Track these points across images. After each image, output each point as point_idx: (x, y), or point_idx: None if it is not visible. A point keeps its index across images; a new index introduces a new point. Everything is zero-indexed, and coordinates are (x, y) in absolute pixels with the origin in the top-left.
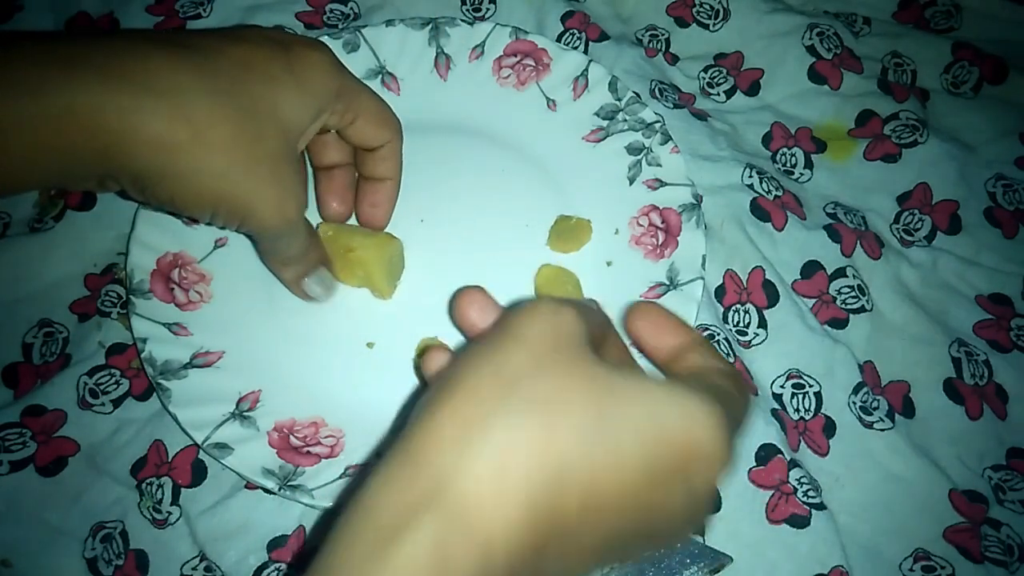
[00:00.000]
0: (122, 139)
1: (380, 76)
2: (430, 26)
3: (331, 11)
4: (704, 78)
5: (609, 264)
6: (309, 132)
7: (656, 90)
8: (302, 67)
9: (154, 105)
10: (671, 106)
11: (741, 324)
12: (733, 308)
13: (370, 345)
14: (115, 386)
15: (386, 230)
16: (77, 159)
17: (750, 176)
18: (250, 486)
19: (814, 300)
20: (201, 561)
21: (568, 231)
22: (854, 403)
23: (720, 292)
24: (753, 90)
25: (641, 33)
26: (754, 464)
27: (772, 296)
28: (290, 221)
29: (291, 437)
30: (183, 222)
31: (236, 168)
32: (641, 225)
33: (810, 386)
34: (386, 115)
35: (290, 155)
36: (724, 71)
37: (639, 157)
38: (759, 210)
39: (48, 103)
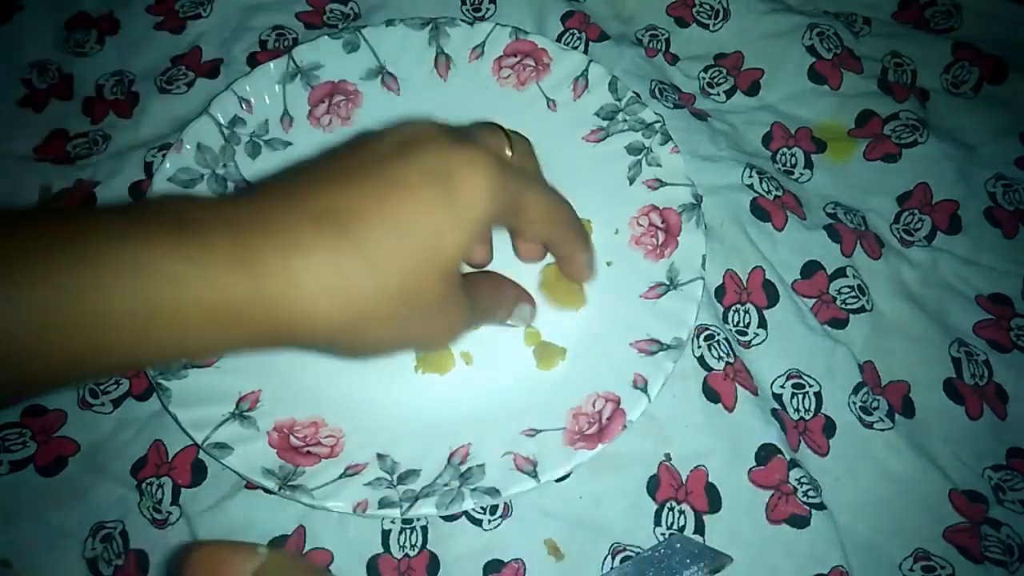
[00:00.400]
0: (287, 334)
1: (380, 76)
2: (430, 26)
3: (331, 11)
4: (704, 78)
5: (609, 264)
6: (477, 242)
7: (656, 90)
8: (465, 200)
9: (316, 303)
10: (671, 106)
11: (741, 324)
12: (733, 308)
13: None
14: (115, 386)
15: None
16: (250, 345)
17: (750, 176)
18: (250, 486)
19: (814, 300)
20: None
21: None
22: (854, 403)
23: (720, 292)
24: (753, 90)
25: (641, 33)
26: (754, 464)
27: (772, 296)
28: (457, 336)
29: (291, 437)
30: None
31: (399, 330)
32: (641, 225)
33: (810, 386)
34: (556, 216)
35: (452, 287)
36: (724, 71)
37: (639, 157)
38: (759, 210)
39: (216, 303)
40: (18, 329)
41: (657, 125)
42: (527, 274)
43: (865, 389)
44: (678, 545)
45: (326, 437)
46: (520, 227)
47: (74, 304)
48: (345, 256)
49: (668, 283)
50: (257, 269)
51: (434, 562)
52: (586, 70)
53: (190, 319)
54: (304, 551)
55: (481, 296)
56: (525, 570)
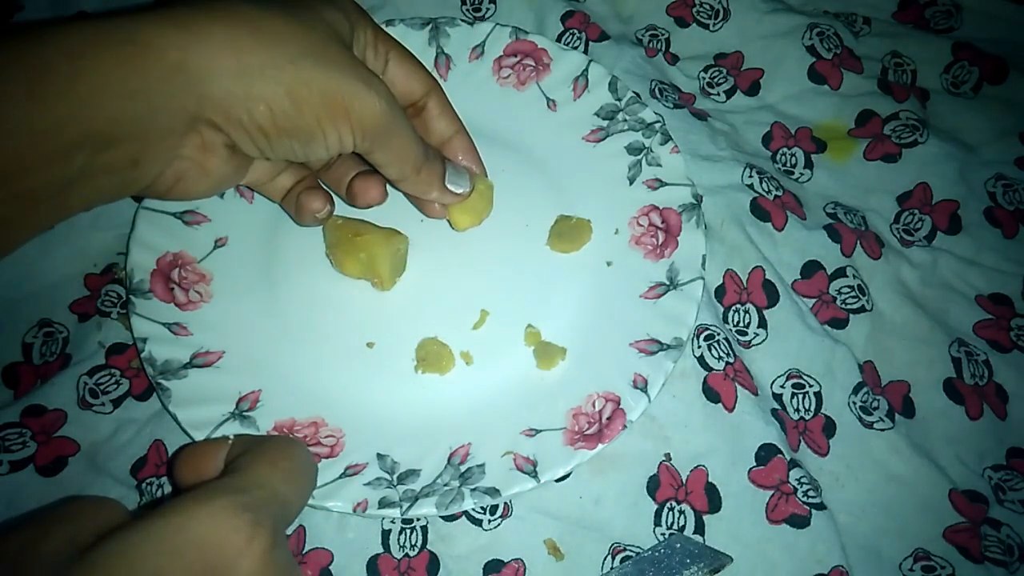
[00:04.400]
0: (203, 72)
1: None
2: (430, 26)
3: None
4: (704, 78)
5: (609, 264)
6: (354, 47)
7: (656, 90)
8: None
9: (228, 33)
10: (671, 106)
11: (741, 324)
12: (733, 308)
13: (370, 345)
14: (115, 386)
15: (397, 231)
16: (161, 94)
17: (750, 176)
18: None
19: (814, 300)
20: None
21: (568, 231)
22: (854, 403)
23: (720, 292)
24: (753, 90)
25: (641, 33)
26: (754, 464)
27: (772, 296)
28: (390, 107)
29: (290, 437)
30: (184, 222)
31: (320, 70)
32: (641, 225)
33: (810, 386)
34: (415, 60)
35: (358, 61)
36: (724, 71)
37: (639, 157)
38: (759, 210)
39: (122, 37)
40: None
41: (657, 125)
42: (525, 274)
43: (865, 389)
44: (678, 545)
45: (326, 437)
46: (393, 72)
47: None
48: (248, 6)
49: (668, 283)
50: (157, 15)
51: (434, 562)
52: (586, 70)
53: (75, 54)
54: (304, 551)
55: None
56: (525, 570)
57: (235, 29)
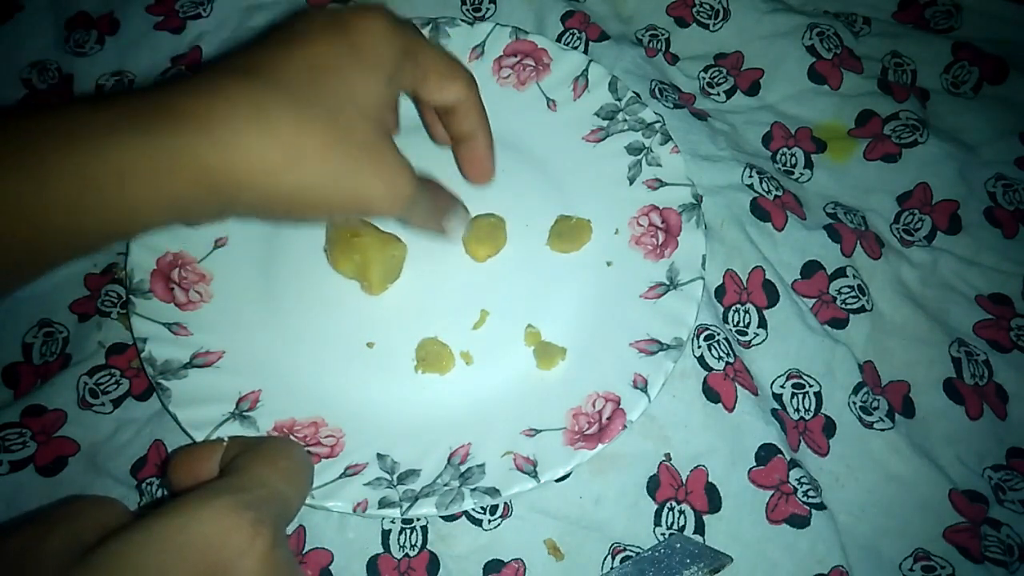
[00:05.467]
0: (224, 176)
1: None
2: (430, 26)
3: None
4: (704, 78)
5: (609, 264)
6: (390, 100)
7: (656, 90)
8: (363, 41)
9: (244, 136)
10: (671, 106)
11: (741, 324)
12: (733, 308)
13: (370, 345)
14: (115, 386)
15: (396, 237)
16: (193, 200)
17: (750, 176)
18: None
19: (814, 300)
20: None
21: (568, 231)
22: (854, 403)
23: (720, 292)
24: (753, 90)
25: (641, 33)
26: (754, 464)
27: (772, 296)
28: (407, 196)
29: (291, 437)
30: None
31: (337, 170)
32: (641, 225)
33: (810, 386)
34: (454, 69)
35: (381, 133)
36: (724, 71)
37: (639, 157)
38: (759, 210)
39: (156, 152)
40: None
41: (657, 125)
42: (525, 274)
43: (865, 389)
44: (678, 545)
45: (326, 437)
46: (428, 85)
47: (17, 176)
48: (264, 94)
49: (668, 283)
50: (179, 115)
51: (434, 562)
52: (586, 70)
53: (125, 173)
54: (304, 551)
55: (425, 182)
56: (525, 570)
57: (261, 129)
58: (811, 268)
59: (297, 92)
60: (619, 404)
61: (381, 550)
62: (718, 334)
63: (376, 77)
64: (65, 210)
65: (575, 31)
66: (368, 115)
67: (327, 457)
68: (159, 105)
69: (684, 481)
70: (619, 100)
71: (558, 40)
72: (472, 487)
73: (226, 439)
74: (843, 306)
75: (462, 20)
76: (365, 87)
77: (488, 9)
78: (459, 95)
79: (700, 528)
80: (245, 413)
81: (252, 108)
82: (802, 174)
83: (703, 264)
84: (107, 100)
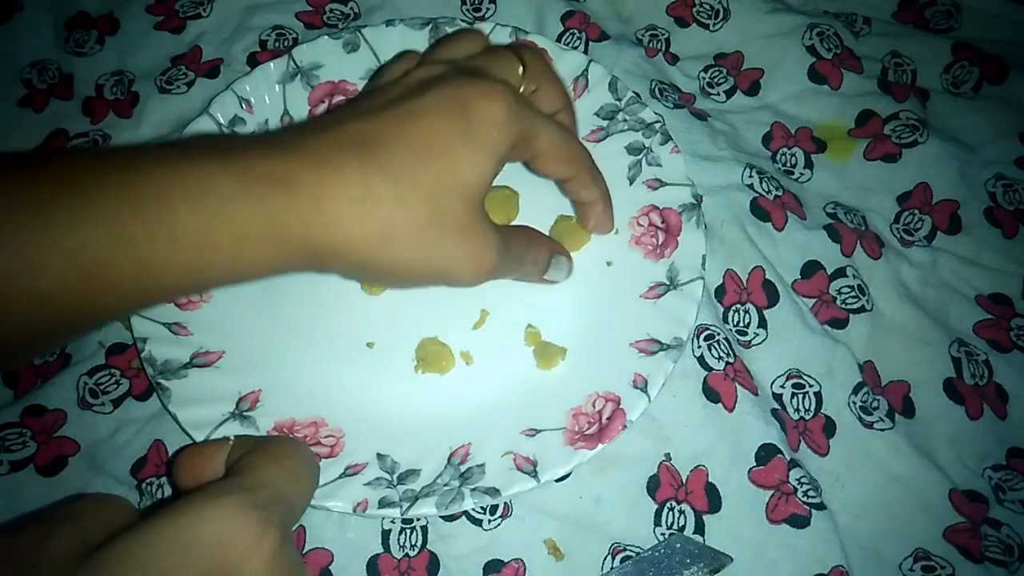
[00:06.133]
0: (325, 247)
1: None
2: (430, 26)
3: (331, 11)
4: (704, 78)
5: (609, 264)
6: (495, 174)
7: (656, 90)
8: (480, 127)
9: (348, 213)
10: (671, 106)
11: (741, 324)
12: (733, 308)
13: (370, 345)
14: (115, 386)
15: None
16: (294, 261)
17: (750, 176)
18: None
19: (814, 300)
20: None
21: (568, 231)
22: (854, 403)
23: (720, 292)
24: (753, 90)
25: (641, 33)
26: (754, 464)
27: (772, 296)
28: (490, 270)
29: (291, 437)
30: None
31: (427, 249)
32: (641, 225)
33: (810, 386)
34: (565, 153)
35: (476, 214)
36: (724, 71)
37: (639, 157)
38: (759, 210)
39: (270, 221)
40: (105, 261)
41: (657, 125)
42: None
43: (865, 389)
44: (678, 545)
45: (326, 437)
46: (537, 162)
47: (147, 231)
48: (371, 173)
49: (668, 283)
50: (294, 186)
51: (434, 562)
52: (586, 70)
53: (242, 236)
54: (304, 551)
55: (515, 241)
56: (525, 570)
57: (364, 209)
58: (811, 268)
59: (403, 174)
60: (619, 404)
61: (381, 550)
62: (718, 334)
63: (485, 159)
64: (185, 264)
65: (575, 31)
66: (468, 196)
67: (327, 457)
68: (277, 173)
69: (684, 481)
70: (619, 100)
71: (558, 40)
72: (472, 487)
73: (232, 438)
74: (843, 306)
75: (462, 20)
76: (471, 168)
77: (488, 9)
78: (569, 174)
79: (700, 528)
80: (245, 413)
81: (359, 189)
82: (802, 174)
83: (703, 264)
84: (223, 156)
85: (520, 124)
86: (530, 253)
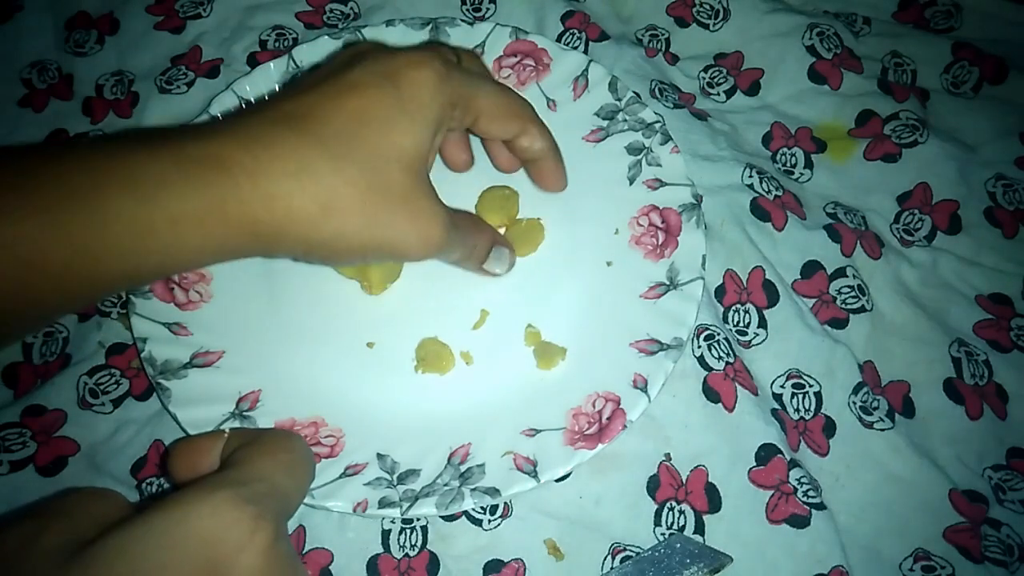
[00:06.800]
0: (267, 225)
1: None
2: (430, 26)
3: (331, 11)
4: (704, 78)
5: (609, 264)
6: (434, 147)
7: (656, 90)
8: (411, 95)
9: (286, 188)
10: (671, 106)
11: (741, 324)
12: (733, 308)
13: (370, 345)
14: (115, 386)
15: None
16: (238, 244)
17: (750, 176)
18: None
19: (814, 300)
20: None
21: (520, 234)
22: (854, 403)
23: (720, 292)
24: (753, 90)
25: (641, 33)
26: (754, 464)
27: (772, 296)
28: (439, 242)
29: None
30: None
31: (372, 221)
32: (641, 225)
33: (810, 386)
34: (508, 109)
35: (418, 181)
36: (724, 71)
37: (639, 157)
38: (759, 210)
39: (206, 202)
40: (42, 251)
41: (657, 125)
42: (524, 274)
43: (865, 389)
44: (678, 545)
45: (326, 437)
46: (480, 125)
47: (81, 220)
48: (306, 147)
49: (668, 283)
50: (228, 165)
51: (434, 562)
52: (586, 70)
53: (178, 219)
54: (304, 551)
55: (461, 223)
56: (525, 570)
57: (302, 183)
58: (811, 268)
59: (339, 146)
60: (619, 404)
61: (381, 550)
62: (718, 334)
63: (420, 127)
64: (122, 250)
65: (575, 31)
66: (407, 165)
67: (327, 457)
68: (209, 155)
69: (684, 481)
70: (619, 100)
71: (558, 40)
72: (472, 487)
73: (227, 431)
74: (843, 306)
75: (462, 20)
76: (407, 137)
77: (488, 9)
78: (516, 130)
79: (700, 528)
80: (245, 413)
81: (295, 162)
82: (802, 174)
83: (703, 264)
84: (158, 143)
85: (452, 88)
86: (472, 237)
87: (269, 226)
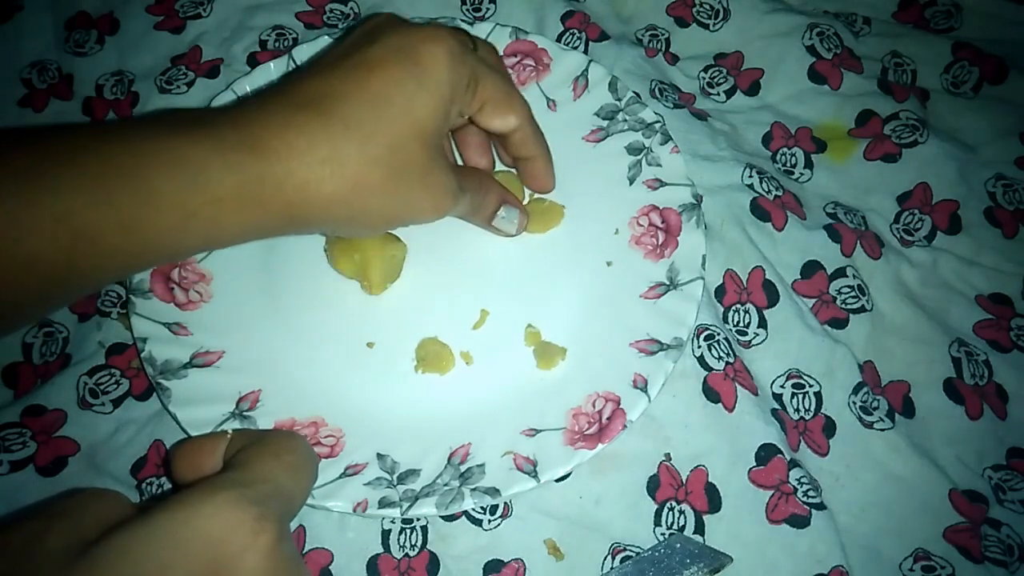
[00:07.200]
0: (299, 206)
1: None
2: None
3: (331, 11)
4: (704, 78)
5: (609, 264)
6: (449, 123)
7: (656, 90)
8: (428, 69)
9: (319, 173)
10: (671, 106)
11: (741, 324)
12: (733, 308)
13: (370, 345)
14: (115, 386)
15: (396, 237)
16: (272, 224)
17: (750, 176)
18: None
19: (814, 300)
20: None
21: (539, 213)
22: (854, 403)
23: (720, 292)
24: (753, 90)
25: (641, 33)
26: (754, 464)
27: (772, 296)
28: (448, 207)
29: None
30: None
31: (394, 197)
32: (641, 225)
33: (810, 386)
34: (511, 99)
35: (436, 159)
36: (724, 71)
37: (639, 157)
38: (759, 210)
39: (244, 184)
40: (92, 226)
41: (657, 125)
42: (524, 273)
43: (865, 389)
44: (678, 545)
45: (326, 437)
46: (483, 114)
47: (130, 198)
48: (335, 130)
49: (668, 283)
50: (264, 151)
51: (434, 562)
52: (586, 70)
53: (218, 201)
54: (304, 551)
55: (468, 182)
56: (525, 570)
57: (333, 167)
58: (811, 268)
59: (364, 127)
60: (619, 404)
61: (381, 550)
62: (718, 334)
63: (436, 102)
64: (167, 228)
65: (575, 31)
66: (425, 140)
67: (327, 457)
68: (245, 141)
69: (684, 481)
70: (619, 100)
71: (558, 40)
72: (472, 487)
73: (230, 432)
74: (843, 306)
75: (462, 20)
76: (425, 113)
77: (488, 9)
78: (513, 125)
79: (700, 528)
80: (245, 413)
81: (326, 149)
82: (802, 174)
83: (703, 264)
84: (196, 127)
85: (465, 67)
86: (479, 196)
87: (302, 208)
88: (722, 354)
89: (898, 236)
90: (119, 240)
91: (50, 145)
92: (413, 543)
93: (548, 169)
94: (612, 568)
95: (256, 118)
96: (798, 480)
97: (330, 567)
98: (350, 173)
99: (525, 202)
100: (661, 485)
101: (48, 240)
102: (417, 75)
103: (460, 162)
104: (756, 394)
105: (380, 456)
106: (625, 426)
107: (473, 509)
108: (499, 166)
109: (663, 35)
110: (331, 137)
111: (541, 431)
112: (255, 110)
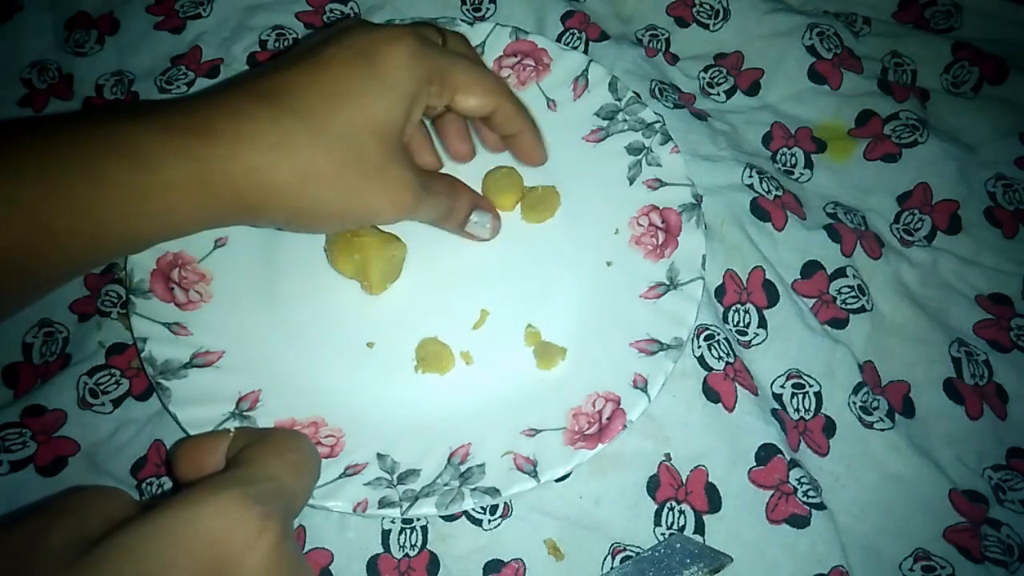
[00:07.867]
0: (250, 193)
1: None
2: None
3: (331, 11)
4: (704, 78)
5: (609, 264)
6: (411, 121)
7: (656, 90)
8: (385, 69)
9: (267, 159)
10: (671, 106)
11: (741, 324)
12: (733, 308)
13: (370, 345)
14: (115, 386)
15: (396, 237)
16: (224, 211)
17: (750, 176)
18: None
19: (814, 300)
20: None
21: (536, 201)
22: (854, 403)
23: (720, 292)
24: (753, 90)
25: (641, 33)
26: (754, 464)
27: (772, 296)
28: (409, 207)
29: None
30: None
31: (347, 189)
32: (641, 225)
33: (810, 386)
34: (483, 85)
35: (393, 155)
36: (724, 71)
37: (639, 157)
38: (759, 210)
39: (194, 169)
40: (48, 212)
41: (657, 125)
42: (523, 273)
43: (865, 389)
44: (678, 545)
45: (326, 437)
46: (458, 101)
47: (82, 183)
48: (285, 119)
49: (668, 283)
50: (211, 135)
51: (434, 562)
52: (586, 70)
53: (168, 185)
54: (304, 551)
55: (435, 185)
56: (525, 570)
57: (282, 154)
58: (811, 268)
59: (315, 119)
60: (619, 404)
61: (381, 550)
62: (718, 334)
63: (394, 101)
64: (121, 214)
65: (575, 31)
66: (381, 136)
67: (327, 457)
68: (193, 127)
69: (684, 481)
70: (619, 100)
71: (558, 40)
72: (472, 487)
73: (232, 430)
74: (843, 306)
75: (462, 20)
76: (381, 110)
77: (488, 9)
78: (491, 106)
79: (700, 528)
80: (245, 413)
81: (274, 136)
82: (802, 174)
83: (703, 264)
84: (147, 114)
85: (427, 63)
86: (449, 200)
87: (252, 195)
88: (722, 354)
89: (898, 236)
90: (74, 223)
91: (1, 135)
92: (413, 543)
93: (537, 142)
94: (612, 568)
95: (208, 105)
96: (798, 480)
97: (330, 567)
98: (299, 161)
99: (518, 204)
100: (661, 485)
101: (5, 229)
102: (373, 73)
103: (442, 152)
104: (756, 394)
105: (380, 456)
106: (625, 426)
107: (473, 509)
108: (492, 165)
109: (663, 35)
110: (280, 125)
111: (541, 431)
112: (207, 99)
